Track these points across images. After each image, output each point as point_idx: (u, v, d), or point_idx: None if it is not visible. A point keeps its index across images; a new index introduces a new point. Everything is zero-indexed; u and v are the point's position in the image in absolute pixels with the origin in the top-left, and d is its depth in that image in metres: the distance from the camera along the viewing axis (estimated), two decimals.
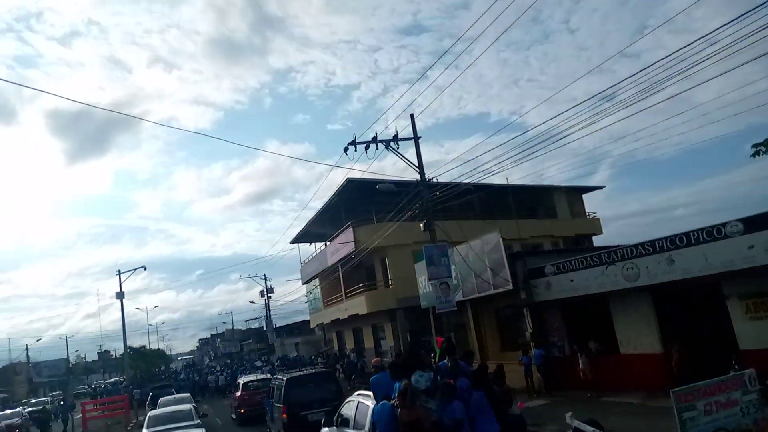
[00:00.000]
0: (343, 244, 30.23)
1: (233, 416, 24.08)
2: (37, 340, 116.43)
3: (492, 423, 7.52)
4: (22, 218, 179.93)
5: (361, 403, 9.16)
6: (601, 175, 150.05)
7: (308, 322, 60.24)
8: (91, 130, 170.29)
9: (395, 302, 28.59)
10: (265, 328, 58.70)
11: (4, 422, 30.12)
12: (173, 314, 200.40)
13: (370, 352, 33.10)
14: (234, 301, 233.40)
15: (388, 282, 30.99)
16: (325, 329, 45.15)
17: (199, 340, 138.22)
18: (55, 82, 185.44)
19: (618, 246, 16.15)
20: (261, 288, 53.84)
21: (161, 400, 22.58)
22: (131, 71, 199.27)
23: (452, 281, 18.40)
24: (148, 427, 15.13)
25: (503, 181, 29.11)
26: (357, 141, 17.93)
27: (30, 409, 37.29)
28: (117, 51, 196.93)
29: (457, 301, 19.08)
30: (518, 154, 16.44)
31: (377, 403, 8.10)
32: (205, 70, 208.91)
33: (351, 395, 10.37)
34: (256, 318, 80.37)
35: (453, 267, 18.92)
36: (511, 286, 18.49)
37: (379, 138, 18.14)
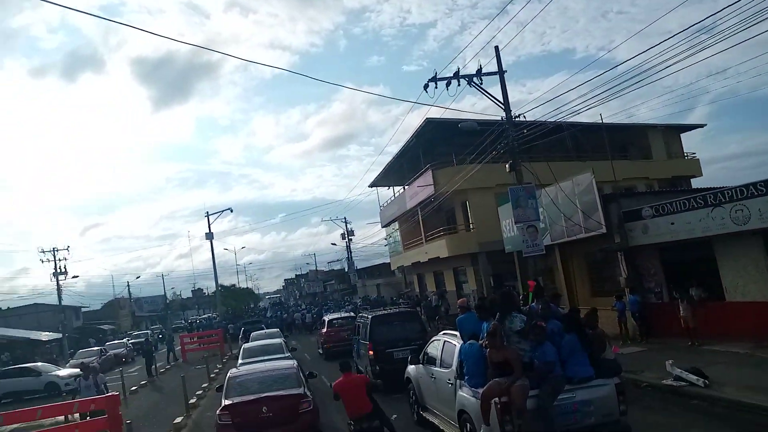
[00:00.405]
0: (422, 188, 29.85)
1: (320, 351, 24.96)
2: (137, 278, 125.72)
3: (585, 366, 7.35)
4: (117, 164, 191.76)
5: (447, 342, 9.14)
6: (697, 114, 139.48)
7: (389, 264, 61.30)
8: (173, 78, 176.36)
9: (477, 246, 28.14)
10: (346, 270, 60.08)
11: (112, 351, 33.01)
12: (259, 255, 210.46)
13: (452, 295, 33.10)
14: (316, 244, 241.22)
15: (469, 226, 30.50)
16: (405, 272, 45.56)
17: (285, 280, 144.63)
18: (139, 30, 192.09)
19: (724, 187, 14.85)
20: (342, 231, 54.95)
21: (253, 334, 23.76)
22: (209, 16, 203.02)
23: (540, 224, 17.71)
24: (243, 358, 15.97)
25: (594, 120, 27.48)
26: (438, 77, 17.21)
27: (133, 340, 40.59)
28: None
29: (545, 245, 18.41)
30: (606, 91, 15.26)
31: (464, 343, 8.10)
32: (280, 13, 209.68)
33: (436, 335, 10.36)
34: (337, 260, 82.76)
35: (540, 210, 18.18)
36: (604, 230, 17.57)
37: (460, 74, 17.31)
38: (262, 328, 29.25)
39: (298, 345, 24.63)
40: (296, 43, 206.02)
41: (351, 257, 55.54)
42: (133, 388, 21.21)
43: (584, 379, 7.27)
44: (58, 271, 45.95)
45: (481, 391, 7.16)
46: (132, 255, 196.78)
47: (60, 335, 45.60)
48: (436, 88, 17.37)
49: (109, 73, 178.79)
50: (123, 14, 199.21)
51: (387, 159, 36.19)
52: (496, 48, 17.52)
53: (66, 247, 46.75)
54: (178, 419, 13.57)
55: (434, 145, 30.02)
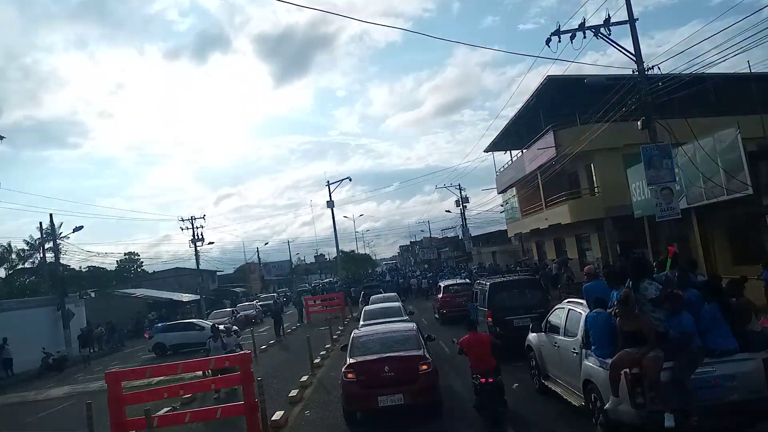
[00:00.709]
0: (542, 150, 28.50)
1: (436, 316, 25.46)
2: (265, 244, 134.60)
3: (727, 337, 6.79)
4: (244, 138, 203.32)
5: (572, 311, 8.91)
6: None
7: (505, 231, 59.94)
8: (292, 52, 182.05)
9: (602, 211, 26.52)
10: (461, 237, 59.67)
11: (243, 313, 35.51)
12: (375, 223, 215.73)
13: (573, 263, 31.68)
14: (429, 212, 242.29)
15: (594, 190, 28.80)
16: (523, 239, 44.28)
17: (400, 246, 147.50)
18: (260, 6, 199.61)
19: None
20: (455, 198, 54.41)
21: (372, 297, 24.76)
22: None
23: (675, 186, 16.21)
24: (364, 320, 16.68)
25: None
26: (561, 30, 16.06)
27: (262, 302, 43.39)
28: None
29: (680, 209, 16.85)
30: (747, 39, 13.31)
31: (590, 311, 7.79)
32: None
33: (558, 303, 10.11)
34: (451, 227, 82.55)
35: (676, 170, 16.61)
36: (750, 191, 15.67)
37: (586, 25, 16.02)
38: (381, 292, 30.13)
39: (415, 309, 25.16)
40: (409, 9, 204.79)
41: (465, 224, 54.90)
42: (263, 347, 22.68)
43: (726, 351, 6.70)
44: (196, 237, 49.94)
45: (609, 361, 6.86)
46: (260, 223, 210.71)
47: (198, 297, 49.84)
48: (559, 42, 16.26)
49: (235, 51, 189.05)
50: None
51: (502, 123, 34.98)
52: None
53: (202, 216, 50.80)
54: (304, 378, 14.24)
55: (555, 105, 28.43)
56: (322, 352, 18.50)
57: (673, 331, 6.75)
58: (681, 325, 6.75)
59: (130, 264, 77.59)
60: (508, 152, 40.01)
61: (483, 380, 8.98)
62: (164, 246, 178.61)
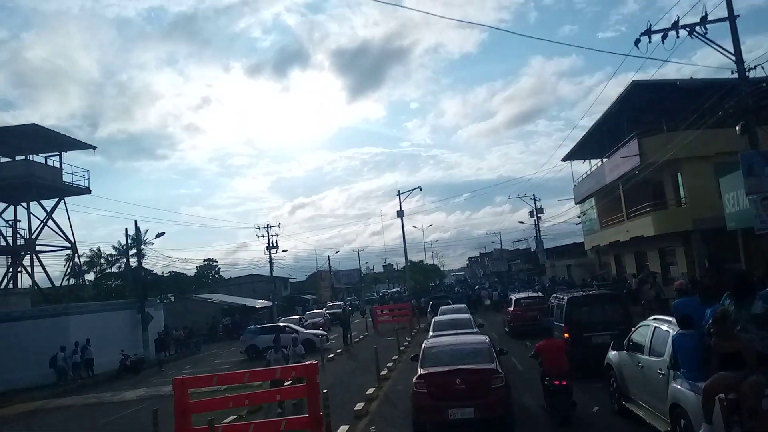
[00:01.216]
0: (625, 158, 26.93)
1: (506, 329, 24.92)
2: (336, 252, 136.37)
3: None
4: (319, 150, 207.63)
5: (658, 329, 8.36)
6: None
7: (581, 244, 57.42)
8: (367, 66, 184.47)
9: (690, 223, 24.70)
10: (534, 249, 57.81)
11: (311, 320, 35.51)
12: (444, 234, 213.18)
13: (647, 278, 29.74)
14: (499, 223, 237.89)
15: (680, 201, 26.94)
16: (600, 252, 42.17)
17: (468, 258, 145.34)
18: (339, 23, 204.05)
19: None
20: (528, 209, 52.87)
21: (442, 308, 24.32)
22: (401, 2, 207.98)
23: None
24: (433, 331, 16.70)
25: None
26: (652, 30, 14.99)
27: (330, 311, 43.31)
28: None
29: None
30: None
31: (680, 329, 7.26)
32: None
33: (643, 320, 9.50)
34: (523, 239, 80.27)
35: None
36: None
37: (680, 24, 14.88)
38: (449, 303, 29.69)
39: (484, 322, 24.42)
40: (485, 19, 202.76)
41: (539, 235, 53.18)
42: (330, 356, 22.49)
43: None
44: (270, 245, 51.06)
45: (701, 385, 6.27)
46: (332, 232, 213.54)
47: (270, 303, 50.78)
48: (649, 42, 15.18)
49: (314, 66, 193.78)
50: (326, 9, 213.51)
51: (579, 134, 33.97)
52: None
53: (277, 224, 51.93)
54: (370, 390, 13.85)
55: (640, 112, 26.94)
56: (389, 364, 18.08)
57: None
58: None
59: (208, 270, 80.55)
60: (587, 161, 38.34)
61: (557, 382, 9.67)
62: (241, 253, 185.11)
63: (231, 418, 10.74)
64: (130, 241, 34.05)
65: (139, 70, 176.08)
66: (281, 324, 29.66)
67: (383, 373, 16.23)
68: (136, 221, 32.28)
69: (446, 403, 9.04)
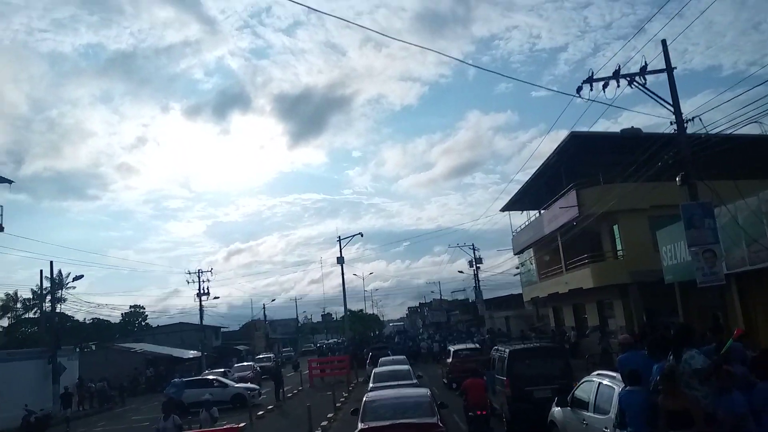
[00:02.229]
0: (564, 209, 27.18)
1: (444, 381, 25.09)
2: (272, 300, 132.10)
3: None
4: (259, 194, 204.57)
5: (603, 385, 8.18)
6: None
7: (518, 295, 57.76)
8: (309, 112, 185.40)
9: (627, 276, 24.89)
10: (474, 299, 57.70)
11: (238, 374, 33.08)
12: (384, 282, 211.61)
13: (594, 331, 29.75)
14: (438, 273, 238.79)
15: (617, 253, 27.29)
16: (539, 303, 42.31)
17: (408, 308, 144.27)
18: (282, 69, 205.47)
19: None
20: (466, 259, 52.95)
21: (381, 359, 24.67)
22: (345, 53, 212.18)
23: (719, 248, 14.74)
24: (373, 382, 17.12)
25: None
26: (594, 78, 15.09)
27: (259, 364, 40.50)
28: (333, 36, 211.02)
29: None
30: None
31: (625, 387, 7.11)
32: (411, 47, 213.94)
33: (587, 375, 9.41)
34: (462, 290, 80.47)
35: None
36: None
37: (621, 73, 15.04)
38: (389, 354, 29.81)
39: (423, 374, 24.58)
40: (426, 74, 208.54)
41: (479, 285, 53.13)
42: (260, 412, 20.77)
43: None
44: (201, 291, 48.46)
45: None
46: (269, 279, 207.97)
47: (199, 354, 47.81)
48: (591, 90, 15.25)
49: (255, 110, 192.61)
50: (270, 56, 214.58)
51: (514, 188, 34.32)
52: (663, 42, 15.11)
53: (209, 270, 49.38)
54: None
55: (577, 164, 27.38)
56: (323, 423, 16.68)
57: (723, 412, 5.98)
58: (732, 406, 5.95)
59: (134, 317, 75.99)
60: (525, 212, 38.83)
61: (478, 413, 12.11)
62: (173, 300, 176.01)
63: None
64: (46, 285, 31.11)
65: (71, 106, 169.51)
66: (209, 377, 27.47)
67: None
68: (51, 262, 29.68)
69: None
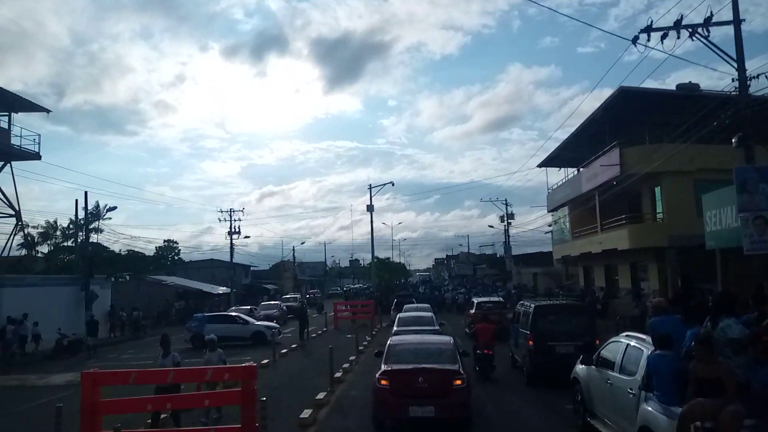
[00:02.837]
0: (605, 167, 26.11)
1: (467, 330, 24.66)
2: (302, 243, 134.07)
3: None
4: (293, 139, 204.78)
5: (631, 346, 7.97)
6: None
7: (548, 253, 57.03)
8: (347, 57, 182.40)
9: (666, 239, 24.02)
10: (503, 254, 57.17)
11: (264, 312, 33.63)
12: (412, 233, 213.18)
13: (625, 292, 29.11)
14: (467, 227, 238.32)
15: (656, 215, 26.30)
16: (568, 262, 41.58)
17: (435, 259, 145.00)
18: (322, 12, 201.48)
19: None
20: (497, 214, 52.21)
21: (406, 306, 25.11)
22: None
23: None
24: (398, 326, 17.84)
25: None
26: (653, 27, 14.00)
27: (286, 303, 41.11)
28: None
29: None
30: None
31: (654, 350, 6.88)
32: None
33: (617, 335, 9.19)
34: (490, 244, 79.97)
35: None
36: None
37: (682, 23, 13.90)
38: (413, 302, 29.64)
39: (446, 323, 25.10)
40: (469, 23, 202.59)
41: (508, 240, 52.46)
42: (284, 351, 21.03)
43: None
44: (233, 230, 49.10)
45: (675, 409, 5.99)
46: (300, 223, 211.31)
47: (228, 290, 48.84)
48: (648, 40, 14.20)
49: (292, 53, 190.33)
50: None
51: (552, 145, 33.20)
52: None
53: (241, 209, 49.87)
54: (321, 395, 12.48)
55: (623, 122, 26.15)
56: (345, 365, 16.74)
57: (758, 384, 5.79)
58: (767, 377, 5.77)
59: (168, 251, 77.81)
60: (563, 170, 37.62)
61: (485, 351, 14.60)
62: (206, 237, 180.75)
63: (147, 423, 9.18)
64: (81, 215, 31.66)
65: (111, 41, 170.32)
66: (232, 313, 27.87)
67: (338, 375, 14.90)
68: (86, 193, 29.93)
69: (408, 400, 9.10)
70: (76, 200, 30.88)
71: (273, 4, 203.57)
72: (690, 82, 14.62)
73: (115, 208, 33.13)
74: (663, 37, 14.19)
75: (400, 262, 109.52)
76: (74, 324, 27.49)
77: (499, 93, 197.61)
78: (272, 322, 28.94)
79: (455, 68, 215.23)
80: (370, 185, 43.93)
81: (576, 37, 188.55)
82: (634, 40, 14.50)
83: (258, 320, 28.99)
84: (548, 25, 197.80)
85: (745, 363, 6.00)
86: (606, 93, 41.88)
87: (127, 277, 52.56)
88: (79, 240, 35.01)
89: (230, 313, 27.83)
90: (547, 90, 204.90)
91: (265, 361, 18.14)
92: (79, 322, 28.22)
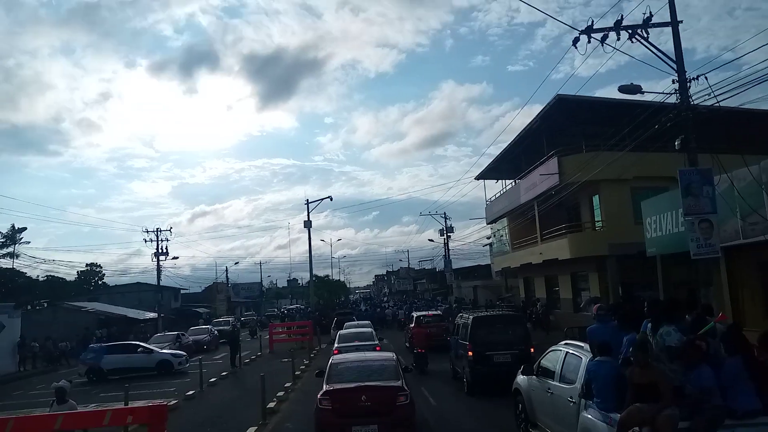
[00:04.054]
0: (544, 177, 25.96)
1: (407, 344, 25.86)
2: (235, 263, 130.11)
3: (751, 397, 5.89)
4: (226, 157, 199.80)
5: (570, 354, 8.03)
6: None
7: (487, 266, 57.26)
8: (280, 74, 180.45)
9: (606, 248, 23.97)
10: (443, 268, 56.78)
11: (193, 338, 31.38)
12: (352, 250, 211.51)
13: (566, 303, 29.01)
14: (407, 243, 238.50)
15: (596, 224, 26.34)
16: (508, 274, 41.51)
17: (375, 276, 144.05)
18: (255, 29, 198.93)
19: None
20: (436, 229, 51.88)
21: (346, 324, 25.47)
22: (321, 16, 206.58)
23: (716, 218, 13.65)
24: (338, 343, 18.31)
25: None
26: (593, 28, 13.61)
27: (217, 327, 38.68)
28: None
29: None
30: None
31: (593, 357, 6.98)
32: (389, 12, 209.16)
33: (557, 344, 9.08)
34: (429, 259, 79.90)
35: None
36: None
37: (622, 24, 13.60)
38: (353, 320, 29.81)
39: (386, 339, 25.34)
40: (403, 41, 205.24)
41: (448, 254, 51.98)
42: (212, 379, 19.25)
43: (750, 412, 5.82)
44: (159, 251, 46.19)
45: (614, 416, 6.15)
46: (235, 243, 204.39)
47: (155, 315, 45.84)
48: (589, 42, 13.80)
49: (223, 69, 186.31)
50: (243, 15, 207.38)
51: (486, 161, 33.13)
52: None
53: (168, 228, 47.07)
54: (251, 430, 11.06)
55: (560, 131, 26.17)
56: (279, 393, 15.30)
57: (691, 387, 5.95)
58: (700, 380, 5.90)
59: (91, 275, 72.97)
60: (501, 182, 37.52)
61: (419, 350, 18.24)
62: (134, 260, 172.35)
63: None
64: None
65: (29, 56, 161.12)
66: (133, 342, 25.56)
67: (271, 405, 13.50)
68: None
69: (350, 420, 8.95)
70: None
71: (203, 20, 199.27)
72: (632, 83, 14.23)
73: (24, 229, 29.93)
74: (603, 39, 13.85)
75: (339, 280, 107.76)
76: None
77: (433, 110, 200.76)
78: (203, 348, 26.89)
79: (390, 86, 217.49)
80: (307, 200, 42.36)
81: (506, 55, 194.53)
82: (575, 42, 14.05)
83: (183, 346, 26.93)
84: (479, 45, 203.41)
85: (679, 368, 6.12)
86: (536, 110, 42.11)
87: (45, 305, 48.54)
88: None
89: (132, 342, 25.55)
90: (479, 108, 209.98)
91: (191, 392, 16.44)
92: None
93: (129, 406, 8.62)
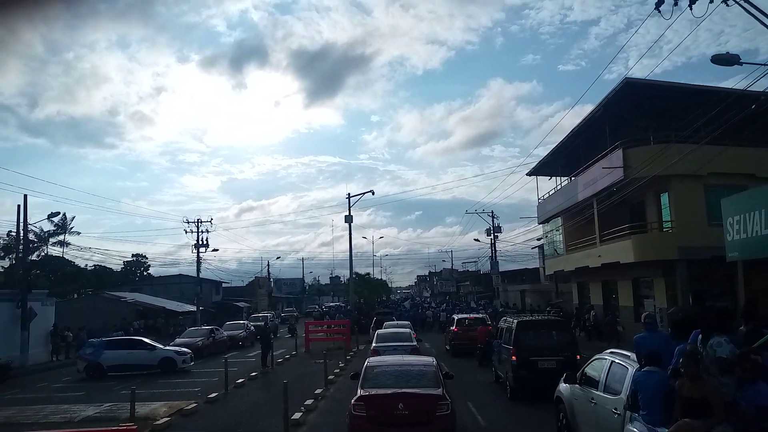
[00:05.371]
0: (606, 171, 23.60)
1: (447, 347, 25.80)
2: (277, 258, 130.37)
3: None
4: (274, 153, 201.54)
5: (615, 364, 7.75)
6: None
7: (535, 269, 54.55)
8: (327, 69, 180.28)
9: (675, 251, 21.56)
10: (489, 270, 54.44)
11: (228, 333, 30.40)
12: (394, 250, 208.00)
13: (628, 312, 26.47)
14: (450, 244, 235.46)
15: (663, 225, 23.85)
16: (558, 279, 38.94)
17: (417, 276, 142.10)
18: (306, 25, 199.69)
19: None
20: (478, 231, 49.55)
21: (386, 323, 25.34)
22: (371, 13, 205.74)
23: None
24: (376, 342, 18.19)
25: None
26: None
27: (254, 323, 37.70)
28: None
29: None
30: None
31: (641, 368, 6.56)
32: (439, 9, 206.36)
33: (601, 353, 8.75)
34: (473, 260, 77.49)
35: None
36: None
37: None
38: (393, 319, 29.53)
39: (428, 342, 25.45)
40: (452, 39, 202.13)
41: (495, 255, 49.60)
42: (240, 380, 17.85)
43: None
44: (199, 243, 45.63)
45: (661, 430, 5.76)
46: (280, 239, 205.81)
47: (194, 308, 45.30)
48: (675, 5, 11.72)
49: (272, 64, 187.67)
50: (294, 11, 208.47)
51: (533, 161, 30.83)
52: None
53: (209, 219, 46.39)
54: None
55: (625, 121, 23.78)
56: (308, 401, 13.69)
57: (746, 404, 5.41)
58: (757, 398, 5.35)
59: (136, 266, 73.85)
60: (554, 178, 35.08)
61: (480, 346, 19.83)
62: (183, 252, 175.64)
63: None
64: (21, 224, 28.05)
65: (88, 50, 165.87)
66: (135, 338, 24.34)
67: (296, 416, 11.92)
68: (25, 196, 26.67)
69: (386, 429, 8.50)
70: (18, 206, 27.35)
71: (255, 16, 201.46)
72: (728, 52, 12.06)
73: (58, 213, 29.48)
74: (692, 3, 11.76)
75: (381, 279, 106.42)
76: (7, 345, 24.13)
77: (480, 108, 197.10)
78: (238, 344, 25.70)
79: (437, 83, 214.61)
80: (348, 194, 40.88)
81: (557, 53, 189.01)
82: (657, 6, 12.05)
83: (217, 342, 25.81)
84: (531, 43, 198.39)
85: (732, 382, 5.74)
86: (587, 110, 39.01)
87: (89, 293, 48.84)
88: (18, 251, 31.48)
89: (134, 338, 24.40)
90: (528, 107, 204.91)
91: (214, 394, 15.08)
92: (12, 344, 24.84)
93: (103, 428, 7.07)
